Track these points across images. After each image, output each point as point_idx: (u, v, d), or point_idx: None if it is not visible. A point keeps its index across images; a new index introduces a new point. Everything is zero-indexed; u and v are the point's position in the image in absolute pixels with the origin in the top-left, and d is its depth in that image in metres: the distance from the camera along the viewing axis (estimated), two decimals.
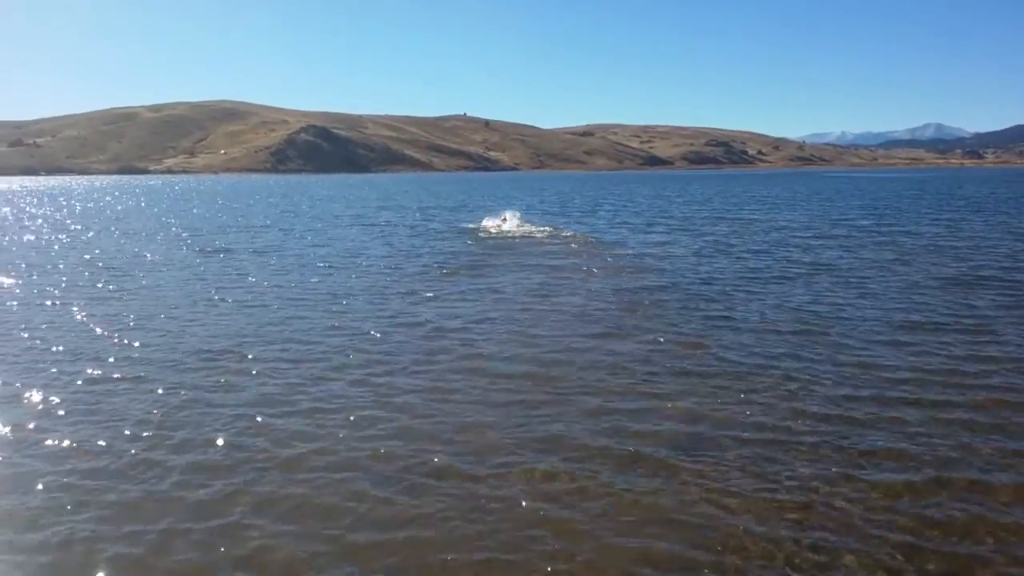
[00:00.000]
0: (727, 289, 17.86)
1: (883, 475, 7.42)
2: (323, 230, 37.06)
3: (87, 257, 26.13)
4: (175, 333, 13.83)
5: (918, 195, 70.60)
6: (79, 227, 40.65)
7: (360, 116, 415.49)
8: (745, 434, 8.52)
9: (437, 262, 23.59)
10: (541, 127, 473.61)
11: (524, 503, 7.03)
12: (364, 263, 23.69)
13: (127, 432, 8.76)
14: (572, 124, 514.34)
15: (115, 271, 22.40)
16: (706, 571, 5.94)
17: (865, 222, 38.21)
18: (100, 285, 19.69)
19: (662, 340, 12.80)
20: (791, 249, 26.07)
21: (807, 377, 10.54)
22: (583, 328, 13.89)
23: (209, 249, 28.24)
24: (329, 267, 22.83)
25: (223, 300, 17.17)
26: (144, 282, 20.16)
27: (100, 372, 11.21)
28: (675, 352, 12.04)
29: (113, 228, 39.79)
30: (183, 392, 10.24)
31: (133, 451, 8.22)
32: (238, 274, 21.49)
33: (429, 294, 17.73)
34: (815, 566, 5.93)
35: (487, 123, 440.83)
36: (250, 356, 12.07)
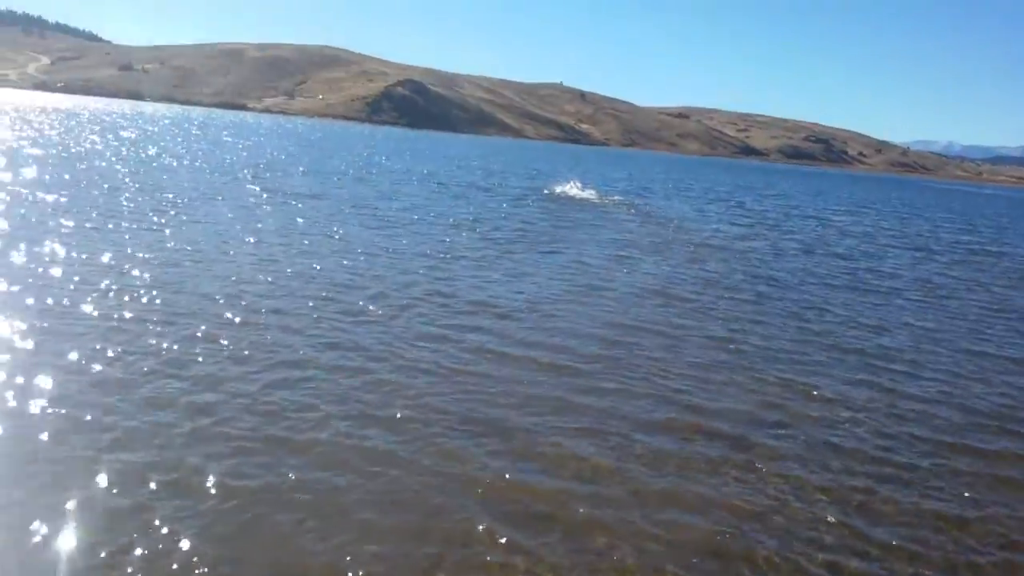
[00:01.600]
0: (793, 291, 17.03)
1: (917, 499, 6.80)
2: (401, 184, 37.01)
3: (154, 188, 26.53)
4: (194, 277, 13.75)
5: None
6: (154, 152, 41.49)
7: (456, 75, 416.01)
8: (778, 441, 7.96)
9: (498, 228, 23.24)
10: (635, 103, 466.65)
11: (546, 480, 6.83)
12: (432, 220, 23.46)
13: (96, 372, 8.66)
14: (668, 104, 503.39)
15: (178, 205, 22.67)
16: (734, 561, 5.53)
17: (962, 238, 36.34)
18: (155, 217, 19.92)
19: (706, 335, 12.21)
20: (872, 259, 24.85)
21: (841, 395, 9.86)
22: (630, 311, 13.37)
23: (278, 191, 28.37)
24: (389, 221, 22.65)
25: (257, 247, 17.07)
26: (189, 216, 20.34)
27: (106, 310, 11.20)
28: (714, 348, 11.45)
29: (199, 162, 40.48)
30: (192, 343, 9.83)
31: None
32: (288, 220, 21.42)
33: (484, 259, 17.41)
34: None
35: (583, 95, 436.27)
36: (271, 310, 11.91)
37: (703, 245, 23.74)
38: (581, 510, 6.37)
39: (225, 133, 77.77)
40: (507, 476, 6.80)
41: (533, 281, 15.44)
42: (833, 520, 6.54)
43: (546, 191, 40.46)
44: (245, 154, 48.14)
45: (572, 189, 41.52)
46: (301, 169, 39.92)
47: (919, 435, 8.61)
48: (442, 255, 17.44)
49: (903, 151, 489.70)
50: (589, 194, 40.29)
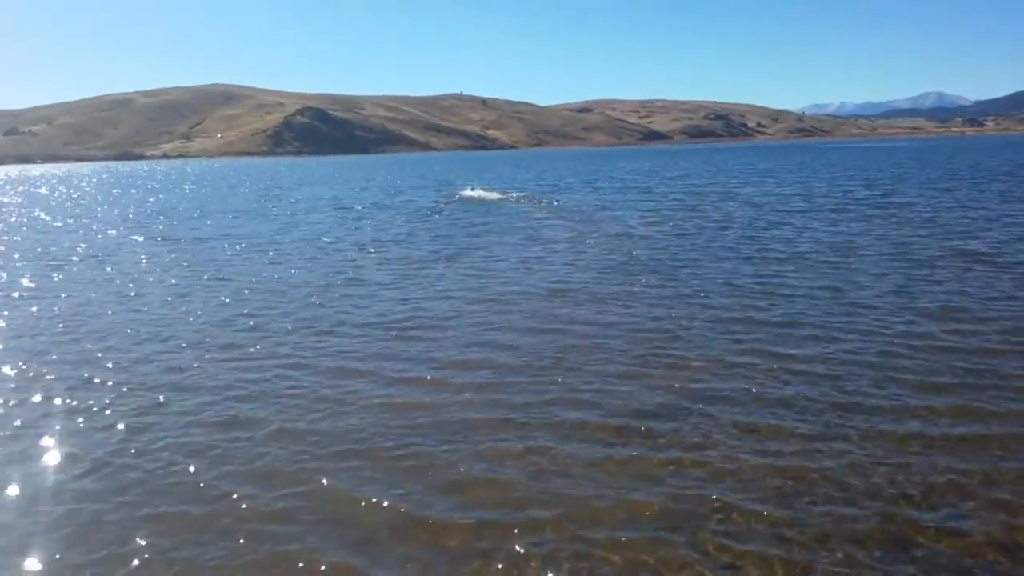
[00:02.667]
0: (701, 271, 16.84)
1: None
2: (302, 214, 36.00)
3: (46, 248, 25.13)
4: (105, 325, 12.87)
5: (913, 168, 69.14)
6: (48, 217, 39.66)
7: (357, 97, 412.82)
8: (710, 408, 7.57)
9: (401, 244, 22.62)
10: (539, 104, 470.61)
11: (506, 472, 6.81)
12: (334, 246, 22.69)
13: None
14: (570, 100, 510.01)
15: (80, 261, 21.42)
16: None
17: (863, 193, 37.01)
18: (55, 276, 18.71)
19: (622, 327, 11.83)
20: (775, 228, 25.00)
21: (758, 369, 9.58)
22: (546, 313, 12.92)
23: (166, 238, 27.21)
24: (288, 254, 21.83)
25: (148, 294, 16.17)
26: (84, 272, 19.20)
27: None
28: (629, 338, 11.07)
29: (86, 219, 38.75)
30: (122, 387, 9.29)
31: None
32: (187, 264, 20.45)
33: (388, 282, 16.78)
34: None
35: (484, 101, 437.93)
36: (181, 354, 11.10)
37: (609, 236, 23.50)
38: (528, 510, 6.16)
39: (115, 189, 75.03)
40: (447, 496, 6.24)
41: (441, 297, 14.82)
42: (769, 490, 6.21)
43: (454, 200, 40.12)
44: (131, 208, 46.48)
45: (480, 195, 41.45)
46: (196, 213, 38.55)
47: (834, 401, 8.35)
48: (346, 281, 16.72)
49: (799, 117, 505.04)
50: (497, 198, 40.11)
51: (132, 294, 16.07)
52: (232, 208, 41.03)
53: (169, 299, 15.38)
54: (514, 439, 7.69)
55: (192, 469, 7.24)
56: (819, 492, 6.43)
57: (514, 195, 41.88)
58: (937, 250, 18.23)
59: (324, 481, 6.90)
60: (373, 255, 20.89)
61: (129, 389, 9.61)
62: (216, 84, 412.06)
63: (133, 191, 65.66)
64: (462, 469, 7.08)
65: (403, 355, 10.70)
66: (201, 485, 6.91)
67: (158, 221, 34.08)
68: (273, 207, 40.82)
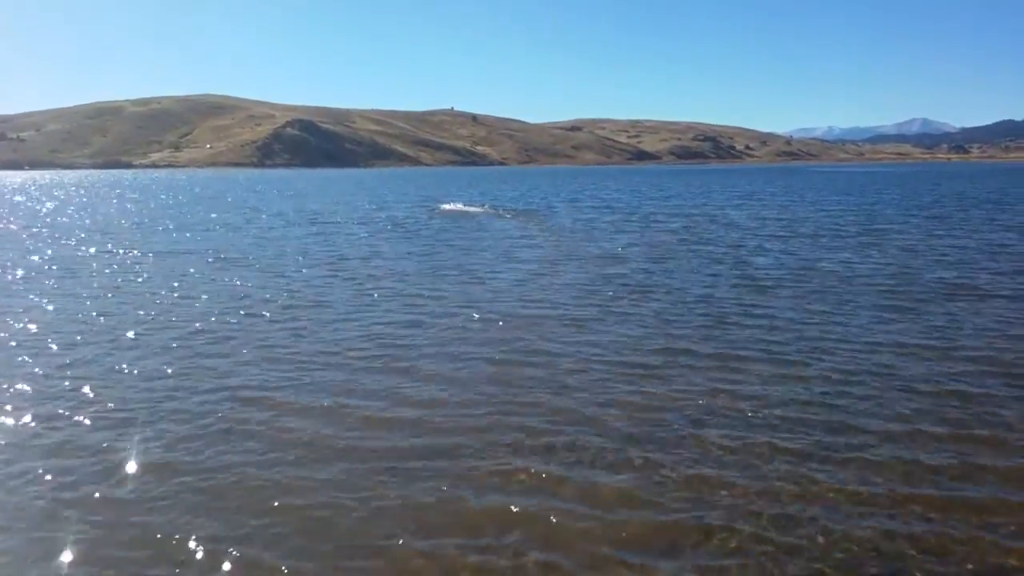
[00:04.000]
0: (675, 293, 16.38)
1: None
2: (280, 228, 35.40)
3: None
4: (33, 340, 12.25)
5: (898, 194, 69.24)
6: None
7: (347, 110, 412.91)
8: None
9: (374, 263, 22.10)
10: (529, 122, 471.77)
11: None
12: (306, 262, 22.10)
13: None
14: (560, 119, 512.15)
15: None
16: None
17: (840, 221, 36.77)
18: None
19: (599, 344, 11.32)
20: (755, 253, 24.63)
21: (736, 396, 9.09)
22: (522, 340, 12.39)
23: (130, 249, 26.55)
24: (256, 270, 21.22)
25: (95, 309, 15.54)
26: (33, 283, 18.56)
27: None
28: (608, 367, 10.57)
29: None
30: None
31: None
32: (145, 278, 19.81)
33: (354, 306, 16.23)
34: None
35: (474, 118, 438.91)
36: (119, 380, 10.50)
37: (590, 257, 22.98)
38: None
39: (85, 196, 74.24)
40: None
41: (410, 320, 14.23)
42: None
43: (437, 216, 39.84)
44: (101, 217, 45.74)
45: (463, 211, 41.35)
46: (170, 224, 37.84)
47: (810, 440, 7.87)
48: (312, 301, 16.13)
49: (787, 140, 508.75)
50: (480, 214, 39.90)
51: (74, 310, 15.42)
52: (209, 220, 40.36)
53: (114, 315, 14.76)
54: (480, 480, 7.21)
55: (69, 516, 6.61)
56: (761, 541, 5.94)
57: (498, 212, 41.62)
58: (921, 281, 17.85)
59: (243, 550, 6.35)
60: (345, 272, 20.34)
61: (38, 415, 9.03)
62: (206, 94, 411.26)
63: (112, 199, 64.87)
64: (423, 518, 6.54)
65: (363, 388, 10.07)
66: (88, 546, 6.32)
67: (128, 232, 33.41)
68: (253, 219, 40.20)
